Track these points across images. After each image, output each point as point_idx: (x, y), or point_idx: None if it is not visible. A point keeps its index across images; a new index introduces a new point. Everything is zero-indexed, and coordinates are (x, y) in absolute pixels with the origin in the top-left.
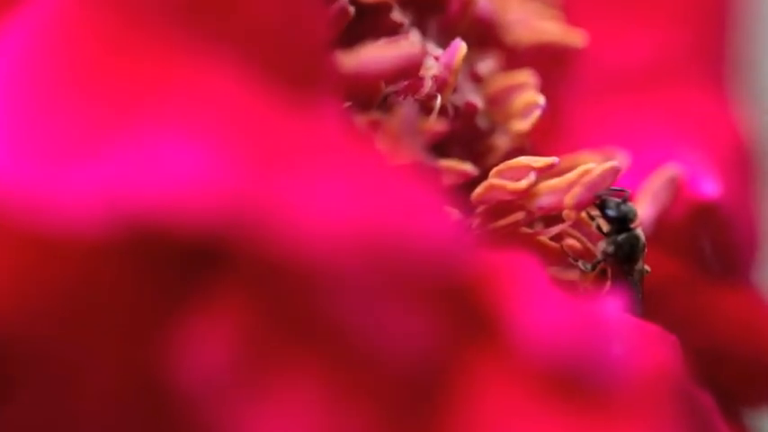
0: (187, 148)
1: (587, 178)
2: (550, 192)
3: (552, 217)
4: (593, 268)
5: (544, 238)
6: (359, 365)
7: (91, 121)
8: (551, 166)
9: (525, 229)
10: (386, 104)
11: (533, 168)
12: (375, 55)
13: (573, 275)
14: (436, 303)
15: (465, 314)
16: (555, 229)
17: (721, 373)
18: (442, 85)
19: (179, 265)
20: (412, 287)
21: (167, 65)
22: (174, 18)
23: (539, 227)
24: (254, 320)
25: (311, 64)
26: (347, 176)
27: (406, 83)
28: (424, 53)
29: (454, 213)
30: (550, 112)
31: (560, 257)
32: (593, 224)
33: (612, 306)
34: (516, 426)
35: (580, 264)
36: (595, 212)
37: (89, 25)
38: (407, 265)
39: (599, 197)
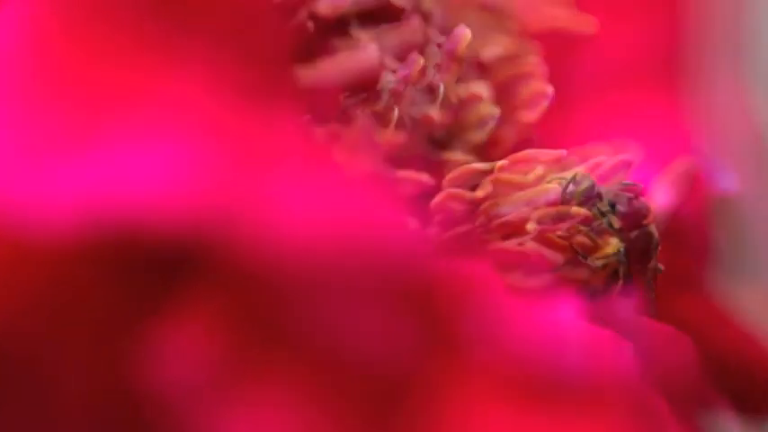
0: (160, 153)
1: (551, 195)
2: (509, 203)
3: (510, 228)
4: (604, 267)
5: (502, 246)
6: (329, 368)
7: (63, 125)
8: (499, 170)
9: (484, 237)
10: (344, 117)
11: (481, 172)
12: (333, 68)
13: (529, 283)
14: (406, 309)
15: (432, 321)
16: (515, 241)
17: (677, 379)
18: (399, 97)
19: (153, 269)
20: (382, 292)
21: (139, 70)
22: (145, 24)
23: (495, 237)
24: (227, 325)
25: (272, 77)
26: (314, 183)
27: (364, 96)
28: (382, 67)
29: (412, 222)
30: (557, 105)
31: (518, 265)
32: (604, 221)
33: (568, 313)
34: (479, 426)
35: (590, 261)
36: (606, 208)
37: (61, 30)
38: (376, 269)
39: (610, 192)
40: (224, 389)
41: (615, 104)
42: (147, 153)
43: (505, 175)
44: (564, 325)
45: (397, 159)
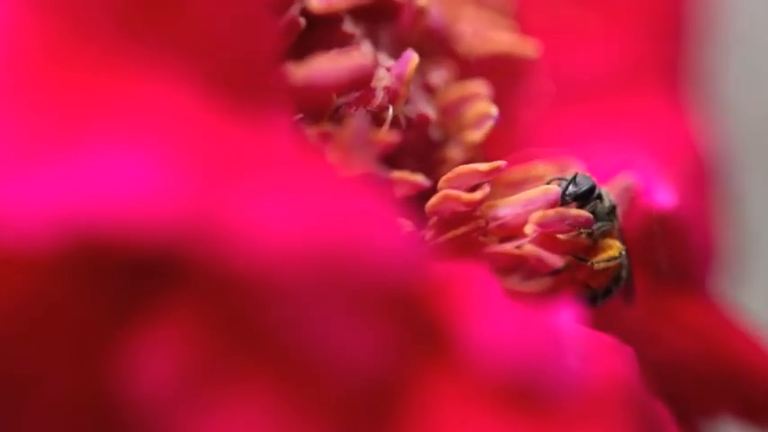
0: (136, 161)
1: (551, 195)
2: (508, 205)
3: (508, 230)
4: (606, 270)
5: (500, 249)
6: (310, 380)
7: (39, 133)
8: (498, 170)
9: (481, 239)
10: (337, 116)
11: (480, 173)
12: (326, 66)
13: (528, 286)
14: (388, 316)
15: (417, 327)
16: (513, 244)
17: (679, 385)
18: (393, 96)
19: (129, 278)
20: (363, 300)
21: (116, 75)
22: (122, 28)
23: (493, 239)
24: (204, 334)
25: (261, 75)
26: (297, 189)
27: (357, 94)
28: (376, 64)
29: (407, 225)
30: (504, 123)
31: (516, 268)
32: (606, 223)
33: (566, 318)
34: None
35: (591, 264)
36: (607, 210)
37: (37, 36)
38: (358, 277)
39: (610, 193)
40: (201, 398)
41: (562, 121)
42: (122, 160)
43: (504, 176)
44: (562, 330)
45: (392, 160)
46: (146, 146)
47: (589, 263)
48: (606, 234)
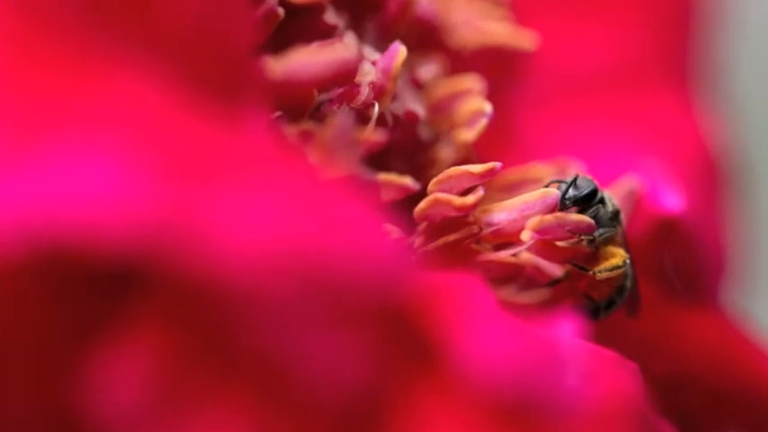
0: (102, 164)
1: (549, 199)
2: (503, 209)
3: (503, 237)
4: (608, 280)
5: (494, 257)
6: (288, 398)
7: (1, 138)
8: (492, 172)
9: (474, 247)
10: (319, 114)
11: (473, 175)
12: (306, 60)
13: (524, 297)
14: (373, 330)
15: (404, 342)
16: (509, 251)
17: (686, 401)
18: (379, 92)
19: (94, 288)
20: (345, 312)
21: (80, 74)
22: (87, 23)
23: (487, 247)
24: (174, 348)
25: (236, 70)
26: (274, 193)
27: (340, 90)
28: (360, 58)
29: (394, 231)
30: (499, 121)
31: (512, 278)
32: (609, 229)
33: (566, 331)
34: None
35: (592, 273)
36: (610, 215)
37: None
38: (340, 287)
39: (614, 197)
40: (170, 416)
41: (561, 119)
42: (87, 163)
43: (499, 178)
44: (561, 345)
45: (378, 161)
46: (113, 148)
47: (590, 272)
48: (609, 241)
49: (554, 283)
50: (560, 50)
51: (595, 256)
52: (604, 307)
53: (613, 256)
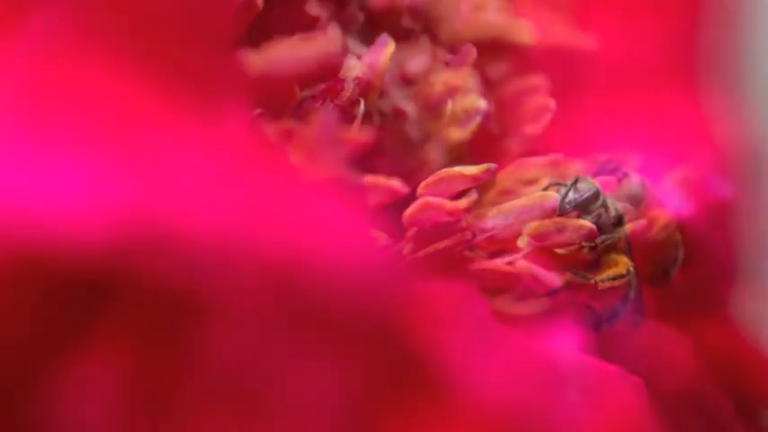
0: (71, 165)
1: (548, 203)
2: (498, 214)
3: (499, 243)
4: (611, 289)
5: (489, 265)
6: (262, 411)
7: None
8: (487, 174)
9: (467, 254)
10: (301, 111)
11: (466, 177)
12: (287, 53)
13: (521, 308)
14: (358, 344)
15: (393, 357)
16: (504, 259)
17: (739, 377)
18: (365, 88)
19: (66, 295)
20: (328, 324)
21: (48, 66)
22: (59, 11)
23: (481, 254)
24: (146, 355)
25: (213, 64)
26: (251, 196)
27: (323, 86)
28: (345, 51)
29: (381, 237)
30: (494, 119)
31: (508, 288)
32: (611, 235)
33: (566, 344)
34: None
35: (594, 282)
36: (612, 220)
37: None
38: (322, 298)
39: (616, 201)
40: (138, 422)
41: (622, 107)
42: (57, 163)
43: (494, 181)
44: (560, 359)
45: (364, 162)
46: (82, 147)
47: (592, 281)
48: (611, 248)
49: (553, 292)
50: (614, 50)
51: (597, 263)
52: (606, 318)
53: (616, 264)
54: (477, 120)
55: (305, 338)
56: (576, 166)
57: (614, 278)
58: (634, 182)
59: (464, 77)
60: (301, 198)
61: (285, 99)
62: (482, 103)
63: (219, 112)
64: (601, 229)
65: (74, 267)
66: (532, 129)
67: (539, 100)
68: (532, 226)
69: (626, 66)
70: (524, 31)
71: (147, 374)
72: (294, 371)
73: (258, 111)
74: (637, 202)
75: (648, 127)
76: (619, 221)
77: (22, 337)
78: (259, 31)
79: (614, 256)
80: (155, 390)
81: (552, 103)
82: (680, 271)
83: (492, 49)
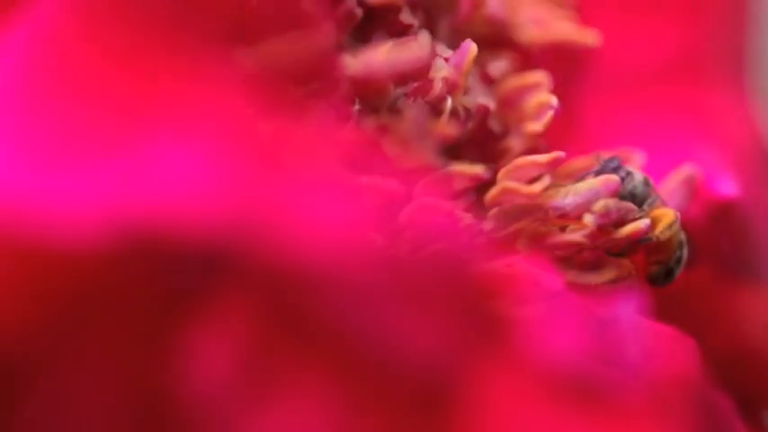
0: (186, 156)
1: (611, 184)
2: (569, 195)
3: (569, 220)
4: (669, 240)
5: (562, 238)
6: (368, 373)
7: (86, 129)
8: (557, 161)
9: (542, 229)
10: (395, 108)
11: (539, 165)
12: (383, 57)
13: (589, 279)
14: (448, 309)
15: (477, 321)
16: (574, 235)
17: (743, 377)
18: (452, 86)
19: (181, 275)
20: (422, 292)
21: (163, 69)
22: (174, 17)
23: (555, 230)
24: (260, 329)
25: (318, 67)
26: (352, 182)
27: (415, 85)
28: (434, 55)
29: (466, 217)
30: (564, 113)
31: (577, 259)
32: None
33: (627, 309)
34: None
35: (653, 236)
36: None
37: (83, 34)
38: (417, 270)
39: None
40: (257, 395)
41: (621, 111)
42: (172, 156)
43: (563, 167)
44: (623, 323)
45: (451, 151)
46: (196, 141)
47: (653, 239)
48: (654, 206)
49: (617, 255)
50: (620, 47)
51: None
52: (675, 264)
53: (664, 215)
54: (550, 114)
55: (402, 302)
56: (578, 164)
57: (669, 226)
58: (637, 180)
59: (538, 77)
60: (397, 183)
61: (381, 97)
62: (553, 100)
63: (323, 109)
64: (636, 195)
65: (191, 247)
66: (534, 127)
67: (540, 97)
68: (600, 204)
69: (630, 62)
70: (590, 37)
71: (260, 340)
72: (393, 331)
73: (357, 107)
74: (640, 200)
75: (653, 124)
76: (647, 181)
77: (145, 309)
78: (358, 38)
79: (658, 212)
80: (267, 354)
81: (554, 101)
82: (684, 271)
83: (492, 45)
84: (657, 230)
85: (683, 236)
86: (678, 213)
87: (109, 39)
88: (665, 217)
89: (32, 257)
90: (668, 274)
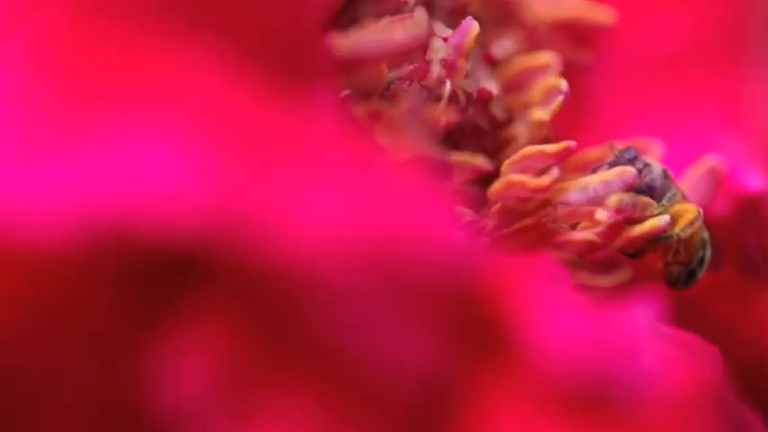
0: (164, 149)
1: (628, 177)
2: (580, 189)
3: (580, 216)
4: (691, 238)
5: (572, 236)
6: (356, 385)
7: (57, 122)
8: (567, 151)
9: (550, 226)
10: (388, 92)
11: (547, 155)
12: (375, 36)
13: (601, 281)
14: (443, 315)
15: (476, 327)
16: (585, 233)
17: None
18: (451, 69)
19: (157, 276)
20: (416, 297)
21: (143, 56)
22: (150, 4)
23: (564, 228)
24: (240, 336)
25: (303, 48)
26: (342, 177)
27: (410, 68)
28: (431, 34)
29: (466, 214)
30: (575, 99)
31: (589, 259)
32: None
33: (644, 315)
34: None
35: (674, 234)
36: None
37: (60, 13)
38: (410, 272)
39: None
40: (236, 403)
41: (637, 99)
42: (148, 148)
43: (574, 158)
44: (638, 328)
45: (450, 140)
46: (174, 132)
47: (674, 237)
48: (674, 200)
49: (634, 256)
50: (636, 31)
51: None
52: (698, 265)
53: (686, 211)
54: (560, 99)
55: (396, 310)
56: (590, 155)
57: (691, 223)
58: (656, 172)
59: (546, 58)
60: (389, 178)
61: (373, 81)
62: (563, 84)
63: (310, 94)
64: (654, 188)
65: (168, 247)
66: (542, 114)
67: (549, 81)
68: (615, 198)
69: (648, 45)
70: (603, 13)
71: (242, 351)
72: (386, 341)
73: (347, 92)
74: (659, 195)
75: (672, 112)
76: (666, 174)
77: (118, 313)
78: (347, 16)
79: (679, 207)
80: (249, 365)
81: (564, 85)
82: (707, 272)
83: (496, 23)
84: (678, 228)
85: (706, 234)
86: (701, 209)
87: (84, 19)
88: (687, 213)
89: (2, 258)
90: (690, 275)
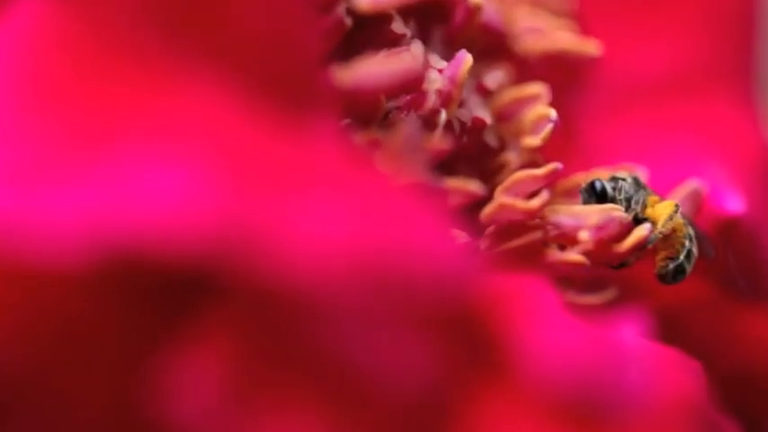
0: (171, 173)
1: (616, 218)
2: (569, 214)
3: (567, 239)
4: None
5: (561, 257)
6: (357, 399)
7: (68, 145)
8: (555, 174)
9: (540, 246)
10: (387, 121)
11: (537, 178)
12: (374, 68)
13: (590, 299)
14: (440, 332)
15: (471, 343)
16: (572, 254)
17: (750, 400)
18: (446, 99)
19: (165, 295)
20: (414, 315)
21: (148, 85)
22: (154, 34)
23: (554, 248)
24: (246, 352)
25: (305, 80)
26: (342, 199)
27: (407, 98)
28: (427, 66)
29: (461, 235)
30: (564, 127)
31: (578, 278)
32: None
33: (630, 331)
34: None
35: (657, 231)
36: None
37: (64, 43)
38: (409, 291)
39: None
40: (242, 420)
41: (624, 126)
42: (156, 173)
43: (563, 183)
44: (625, 344)
45: (445, 166)
46: (181, 157)
47: (657, 235)
48: (642, 202)
49: (622, 266)
50: (622, 60)
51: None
52: (686, 259)
53: (663, 208)
54: (549, 127)
55: (394, 325)
56: (577, 181)
57: (671, 218)
58: (628, 184)
59: (536, 89)
60: (387, 201)
61: (372, 110)
62: (552, 113)
63: (311, 122)
64: (629, 197)
65: (176, 267)
66: (532, 141)
67: (539, 110)
68: (593, 218)
69: (633, 75)
70: (590, 46)
71: (247, 365)
72: (385, 355)
73: (347, 121)
74: (633, 201)
75: (656, 138)
76: (637, 181)
77: (127, 331)
78: (348, 49)
79: (657, 207)
80: (254, 380)
81: (553, 114)
82: (736, 265)
83: (488, 55)
84: (659, 226)
85: (691, 230)
86: (678, 203)
87: (92, 53)
88: (665, 209)
89: (13, 278)
90: (679, 270)
